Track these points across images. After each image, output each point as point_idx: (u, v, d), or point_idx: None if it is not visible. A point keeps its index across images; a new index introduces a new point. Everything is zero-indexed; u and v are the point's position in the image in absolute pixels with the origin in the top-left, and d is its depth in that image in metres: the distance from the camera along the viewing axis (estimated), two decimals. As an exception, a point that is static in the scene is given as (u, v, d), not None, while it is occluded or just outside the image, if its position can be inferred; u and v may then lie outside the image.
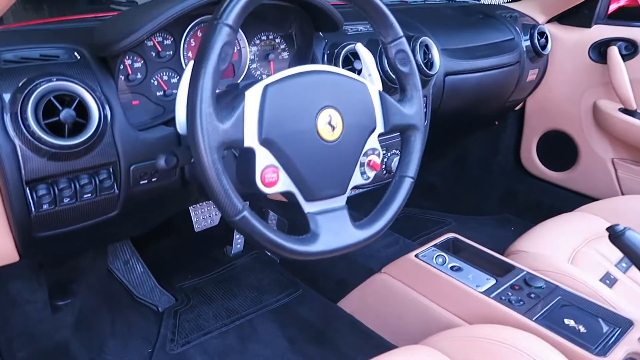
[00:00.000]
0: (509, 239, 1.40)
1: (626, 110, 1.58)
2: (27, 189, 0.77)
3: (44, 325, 1.05)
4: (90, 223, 0.88)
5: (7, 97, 0.75)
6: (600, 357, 0.89)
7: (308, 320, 1.42)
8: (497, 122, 1.95)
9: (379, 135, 0.85)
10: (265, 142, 0.72)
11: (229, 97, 0.83)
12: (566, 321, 0.99)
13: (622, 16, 1.72)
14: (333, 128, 0.77)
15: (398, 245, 1.39)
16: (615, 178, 1.69)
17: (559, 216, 1.41)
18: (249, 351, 1.31)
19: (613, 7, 1.72)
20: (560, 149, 1.81)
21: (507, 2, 1.84)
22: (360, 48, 0.93)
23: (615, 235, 0.90)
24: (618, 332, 0.95)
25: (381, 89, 0.88)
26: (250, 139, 0.71)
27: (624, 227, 0.90)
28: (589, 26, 1.68)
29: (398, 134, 0.89)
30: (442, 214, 2.03)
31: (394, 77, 0.93)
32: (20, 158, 0.75)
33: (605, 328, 0.97)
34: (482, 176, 2.04)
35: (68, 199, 0.81)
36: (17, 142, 0.75)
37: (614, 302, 1.07)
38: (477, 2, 1.88)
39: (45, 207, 0.79)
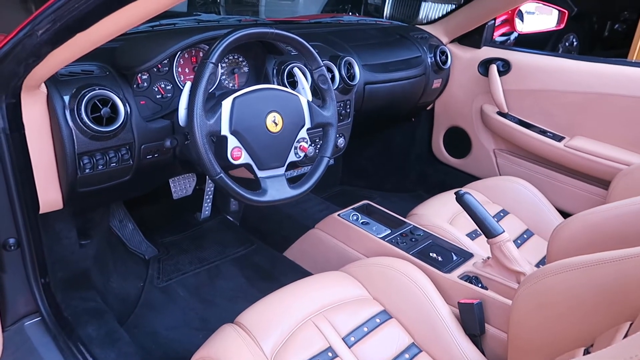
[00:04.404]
0: (418, 210, 1.86)
1: (501, 113, 2.09)
2: (77, 159, 1.19)
3: (74, 255, 1.45)
4: (112, 184, 1.29)
5: (66, 98, 1.16)
6: (446, 274, 1.37)
7: (260, 265, 1.87)
8: (413, 119, 2.42)
9: (308, 129, 1.31)
10: (233, 132, 1.17)
11: (211, 103, 1.27)
12: (431, 254, 1.47)
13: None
14: (276, 124, 1.23)
15: (328, 210, 1.85)
16: (496, 164, 2.21)
17: (450, 190, 1.90)
18: (217, 285, 1.75)
19: (497, 33, 2.24)
20: (459, 141, 2.30)
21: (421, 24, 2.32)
22: (297, 71, 1.39)
23: (458, 197, 1.40)
24: (461, 260, 1.45)
25: (310, 98, 1.35)
26: (225, 130, 1.16)
27: (465, 191, 1.40)
28: (479, 47, 2.17)
29: (321, 129, 1.36)
30: (370, 190, 2.51)
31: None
32: (74, 138, 1.15)
33: (454, 258, 1.46)
34: (402, 161, 2.51)
35: (101, 166, 1.23)
36: (73, 128, 1.15)
37: (469, 247, 1.56)
38: (397, 24, 2.35)
39: (87, 171, 1.21)
